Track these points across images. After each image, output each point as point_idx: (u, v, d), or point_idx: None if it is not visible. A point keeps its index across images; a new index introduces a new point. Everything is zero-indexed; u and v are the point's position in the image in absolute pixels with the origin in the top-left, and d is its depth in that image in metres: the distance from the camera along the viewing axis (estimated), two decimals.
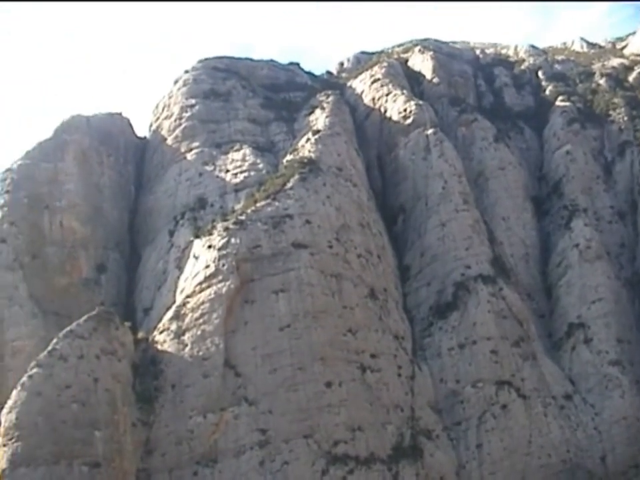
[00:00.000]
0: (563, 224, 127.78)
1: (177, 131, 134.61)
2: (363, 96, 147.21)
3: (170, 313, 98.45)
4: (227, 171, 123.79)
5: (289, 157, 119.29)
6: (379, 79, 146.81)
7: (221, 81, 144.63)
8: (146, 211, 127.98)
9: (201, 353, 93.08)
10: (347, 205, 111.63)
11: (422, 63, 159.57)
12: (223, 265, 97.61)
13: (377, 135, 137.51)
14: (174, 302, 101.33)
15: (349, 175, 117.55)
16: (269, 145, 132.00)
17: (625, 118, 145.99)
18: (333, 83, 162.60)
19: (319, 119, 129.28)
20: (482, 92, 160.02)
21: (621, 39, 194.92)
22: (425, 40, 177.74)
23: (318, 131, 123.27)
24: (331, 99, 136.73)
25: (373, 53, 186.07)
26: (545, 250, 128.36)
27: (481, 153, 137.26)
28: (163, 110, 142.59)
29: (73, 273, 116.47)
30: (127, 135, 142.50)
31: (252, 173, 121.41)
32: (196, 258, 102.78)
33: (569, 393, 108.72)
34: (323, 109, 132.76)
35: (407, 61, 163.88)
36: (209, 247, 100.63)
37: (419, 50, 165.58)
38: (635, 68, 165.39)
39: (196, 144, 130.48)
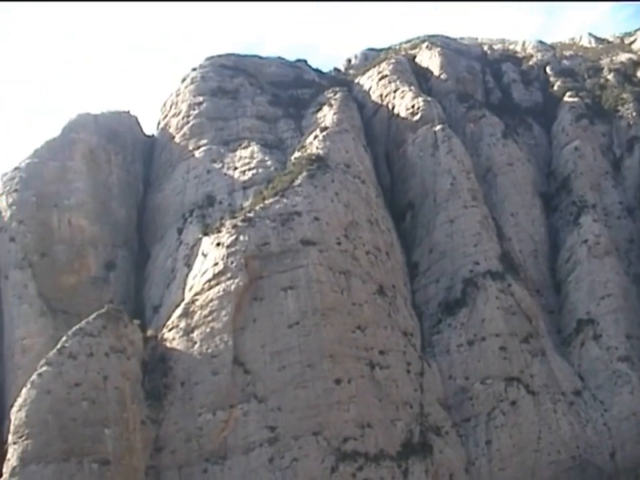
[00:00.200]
0: (571, 220, 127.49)
1: (185, 129, 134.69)
2: (371, 92, 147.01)
3: (179, 311, 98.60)
4: (235, 168, 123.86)
5: (296, 154, 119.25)
6: (386, 76, 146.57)
7: (228, 79, 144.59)
8: (154, 209, 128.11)
9: (209, 350, 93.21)
10: (355, 202, 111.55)
11: (430, 59, 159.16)
12: (232, 263, 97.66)
13: (385, 132, 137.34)
14: (183, 299, 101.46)
15: (357, 172, 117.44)
16: (277, 142, 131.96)
17: (634, 113, 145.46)
18: (341, 80, 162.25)
19: (327, 115, 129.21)
20: (490, 88, 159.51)
21: (629, 34, 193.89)
22: (433, 36, 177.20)
23: (326, 128, 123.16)
24: (338, 95, 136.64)
25: (380, 50, 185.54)
26: (554, 246, 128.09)
27: (489, 149, 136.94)
28: (170, 108, 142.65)
29: (82, 271, 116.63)
30: (135, 133, 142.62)
31: (260, 170, 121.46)
32: (204, 255, 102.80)
33: (578, 389, 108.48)
34: (330, 105, 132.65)
35: (414, 57, 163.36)
36: (218, 244, 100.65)
37: (427, 46, 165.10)
38: None
39: (204, 141, 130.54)
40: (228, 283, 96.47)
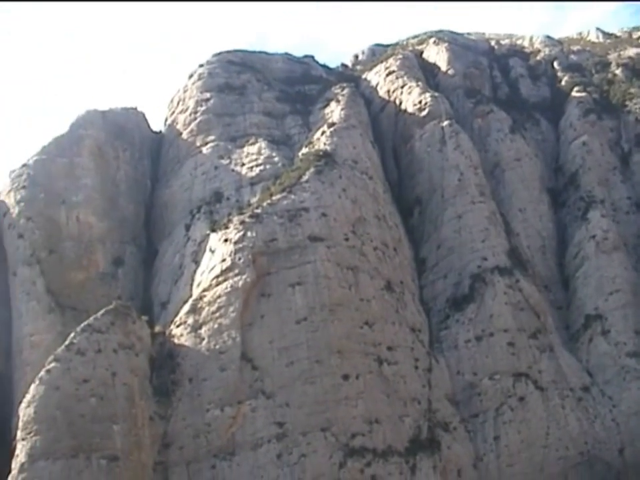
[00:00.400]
0: (579, 215, 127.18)
1: (192, 125, 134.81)
2: (378, 88, 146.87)
3: (187, 307, 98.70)
4: (243, 164, 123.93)
5: (304, 150, 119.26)
6: (393, 71, 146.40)
7: (235, 75, 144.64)
8: (162, 205, 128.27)
9: (217, 347, 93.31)
10: (363, 198, 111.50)
11: (437, 55, 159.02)
12: (239, 259, 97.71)
13: (392, 127, 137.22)
14: (190, 296, 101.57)
15: (365, 168, 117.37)
16: (285, 138, 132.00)
17: None
18: (348, 76, 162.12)
19: (334, 111, 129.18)
20: (497, 83, 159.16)
21: (637, 29, 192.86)
22: (440, 31, 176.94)
23: (333, 124, 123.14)
24: (346, 91, 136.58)
25: (387, 45, 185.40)
26: (562, 241, 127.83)
27: (496, 144, 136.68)
28: (177, 104, 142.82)
29: (90, 268, 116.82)
30: (142, 129, 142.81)
31: (267, 167, 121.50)
32: (212, 252, 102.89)
33: (586, 384, 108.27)
34: (338, 101, 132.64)
35: (421, 52, 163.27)
36: (225, 240, 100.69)
37: (434, 42, 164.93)
38: None
39: (211, 138, 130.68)
40: (235, 279, 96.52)
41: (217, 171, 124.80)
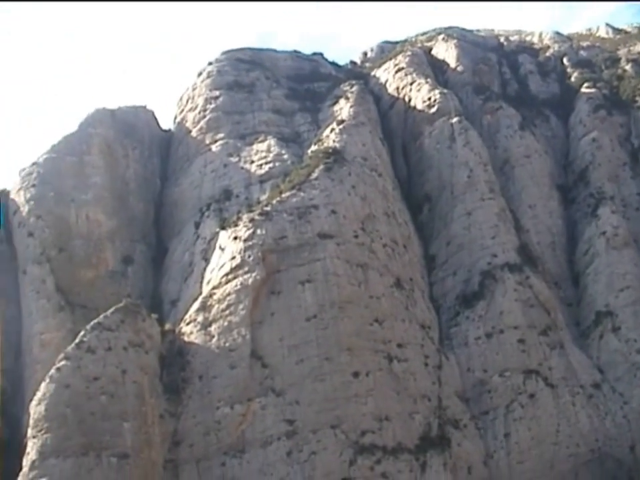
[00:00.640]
0: (589, 212, 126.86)
1: (202, 123, 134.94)
2: (387, 85, 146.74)
3: (196, 305, 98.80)
4: (252, 162, 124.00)
5: (313, 148, 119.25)
6: (402, 68, 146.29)
7: (244, 72, 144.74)
8: (171, 203, 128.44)
9: (227, 344, 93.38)
10: (372, 195, 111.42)
11: (446, 52, 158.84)
12: (249, 256, 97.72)
13: (402, 124, 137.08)
14: (200, 293, 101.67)
15: (374, 165, 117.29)
16: (294, 136, 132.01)
17: None
18: (357, 73, 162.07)
19: (344, 108, 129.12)
20: (506, 79, 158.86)
21: None
22: (449, 28, 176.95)
23: (342, 121, 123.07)
24: (355, 88, 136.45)
25: (396, 42, 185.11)
26: (572, 238, 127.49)
27: (506, 140, 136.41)
28: (187, 102, 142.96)
29: (100, 266, 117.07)
30: (152, 127, 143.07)
31: (277, 164, 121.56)
32: (222, 249, 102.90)
33: (597, 381, 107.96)
34: (347, 98, 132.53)
35: (430, 49, 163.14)
36: (235, 238, 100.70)
37: (443, 38, 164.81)
38: None
39: (220, 135, 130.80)
40: (245, 276, 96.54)
41: (226, 169, 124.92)
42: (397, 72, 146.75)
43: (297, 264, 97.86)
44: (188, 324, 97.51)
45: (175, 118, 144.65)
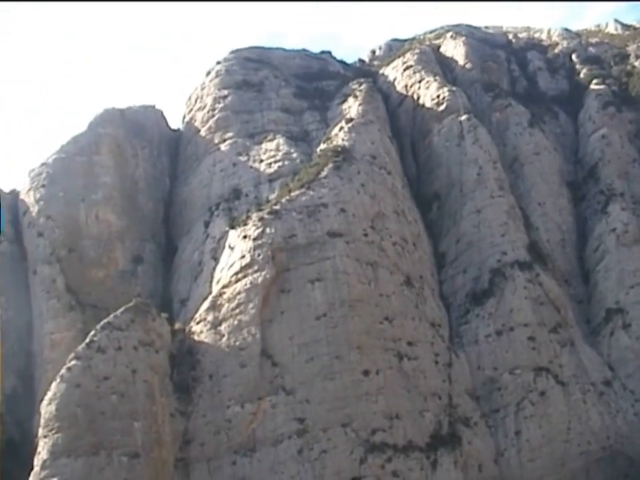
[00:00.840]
0: (599, 209, 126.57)
1: (211, 122, 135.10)
2: (396, 83, 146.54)
3: (206, 304, 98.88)
4: (261, 161, 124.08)
5: (322, 146, 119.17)
6: (411, 66, 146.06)
7: (253, 71, 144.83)
8: (181, 203, 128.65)
9: (237, 343, 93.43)
10: (382, 193, 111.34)
11: (454, 49, 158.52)
12: (259, 255, 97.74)
13: (411, 122, 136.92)
14: (210, 292, 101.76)
15: (383, 163, 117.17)
16: (303, 134, 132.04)
17: None
18: (365, 71, 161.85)
19: (352, 107, 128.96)
20: (515, 77, 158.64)
21: None
22: (457, 25, 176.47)
23: (351, 120, 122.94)
24: (363, 87, 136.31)
25: (404, 40, 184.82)
26: (582, 235, 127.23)
27: (515, 138, 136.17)
28: (195, 101, 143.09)
29: (110, 265, 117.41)
30: (161, 127, 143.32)
31: (286, 163, 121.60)
32: (231, 248, 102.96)
33: (608, 379, 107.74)
34: (355, 97, 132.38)
35: (439, 47, 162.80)
36: (244, 237, 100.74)
37: (451, 36, 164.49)
38: None
39: (229, 134, 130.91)
40: (255, 275, 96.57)
41: (235, 168, 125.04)
42: (405, 70, 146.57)
43: (307, 262, 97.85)
44: (198, 323, 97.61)
45: (184, 117, 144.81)
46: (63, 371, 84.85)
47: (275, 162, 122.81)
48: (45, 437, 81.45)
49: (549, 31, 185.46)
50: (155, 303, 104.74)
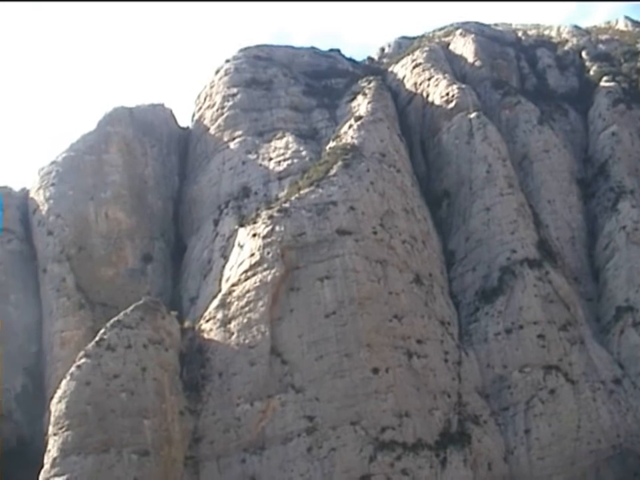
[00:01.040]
0: (609, 206, 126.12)
1: (220, 120, 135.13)
2: (405, 81, 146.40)
3: (216, 302, 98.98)
4: (270, 159, 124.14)
5: (331, 144, 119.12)
6: (420, 64, 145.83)
7: (262, 70, 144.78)
8: (190, 201, 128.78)
9: (247, 341, 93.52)
10: (391, 191, 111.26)
11: (463, 47, 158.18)
12: (268, 253, 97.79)
13: (420, 120, 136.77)
14: (219, 290, 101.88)
15: (392, 161, 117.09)
16: (312, 132, 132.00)
17: None
18: (375, 69, 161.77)
19: (361, 105, 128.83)
20: (525, 74, 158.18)
21: None
22: (466, 23, 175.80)
23: (360, 117, 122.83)
24: (372, 84, 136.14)
25: (413, 38, 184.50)
26: (592, 233, 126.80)
27: (525, 135, 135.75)
28: (204, 100, 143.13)
29: (119, 264, 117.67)
30: (170, 125, 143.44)
31: (295, 161, 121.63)
32: (241, 246, 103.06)
33: (618, 377, 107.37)
34: (364, 95, 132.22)
35: (448, 44, 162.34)
36: (254, 235, 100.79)
37: (460, 33, 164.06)
38: None
39: (239, 133, 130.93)
40: (264, 273, 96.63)
41: (244, 166, 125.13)
42: (414, 67, 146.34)
43: (316, 260, 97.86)
44: (207, 321, 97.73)
45: (193, 116, 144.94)
46: (73, 368, 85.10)
47: (284, 160, 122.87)
48: (54, 434, 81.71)
49: (558, 28, 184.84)
50: (164, 301, 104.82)
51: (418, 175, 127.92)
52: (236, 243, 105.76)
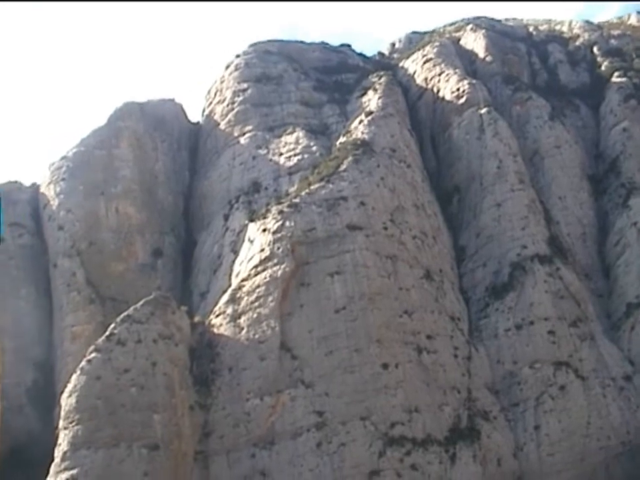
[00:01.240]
0: (620, 202, 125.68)
1: (230, 116, 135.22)
2: (415, 76, 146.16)
3: (226, 297, 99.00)
4: (281, 154, 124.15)
5: (342, 139, 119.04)
6: (431, 59, 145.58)
7: (272, 65, 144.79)
8: (200, 196, 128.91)
9: (257, 336, 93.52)
10: (401, 186, 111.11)
11: (474, 42, 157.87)
12: (278, 248, 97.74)
13: (430, 115, 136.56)
14: (229, 285, 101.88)
15: (403, 156, 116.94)
16: (322, 128, 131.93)
17: None
18: (385, 64, 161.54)
19: (372, 100, 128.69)
20: (536, 69, 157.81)
21: None
22: (477, 18, 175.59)
23: (371, 113, 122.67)
24: (383, 80, 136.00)
25: (424, 33, 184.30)
26: (603, 229, 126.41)
27: (536, 131, 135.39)
28: (215, 95, 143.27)
29: (129, 259, 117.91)
30: (180, 120, 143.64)
31: (305, 156, 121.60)
32: (251, 241, 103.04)
33: (628, 373, 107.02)
34: (375, 90, 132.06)
35: (459, 39, 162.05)
36: (264, 230, 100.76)
37: (471, 28, 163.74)
38: None
39: (249, 128, 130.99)
40: (274, 268, 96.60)
41: (254, 161, 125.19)
42: (425, 63, 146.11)
43: (326, 256, 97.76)
44: (217, 316, 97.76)
45: (204, 111, 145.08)
46: (83, 363, 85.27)
47: (295, 155, 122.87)
48: (65, 428, 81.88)
49: (569, 23, 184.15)
50: (174, 296, 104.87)
51: (428, 170, 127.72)
52: (246, 238, 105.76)
